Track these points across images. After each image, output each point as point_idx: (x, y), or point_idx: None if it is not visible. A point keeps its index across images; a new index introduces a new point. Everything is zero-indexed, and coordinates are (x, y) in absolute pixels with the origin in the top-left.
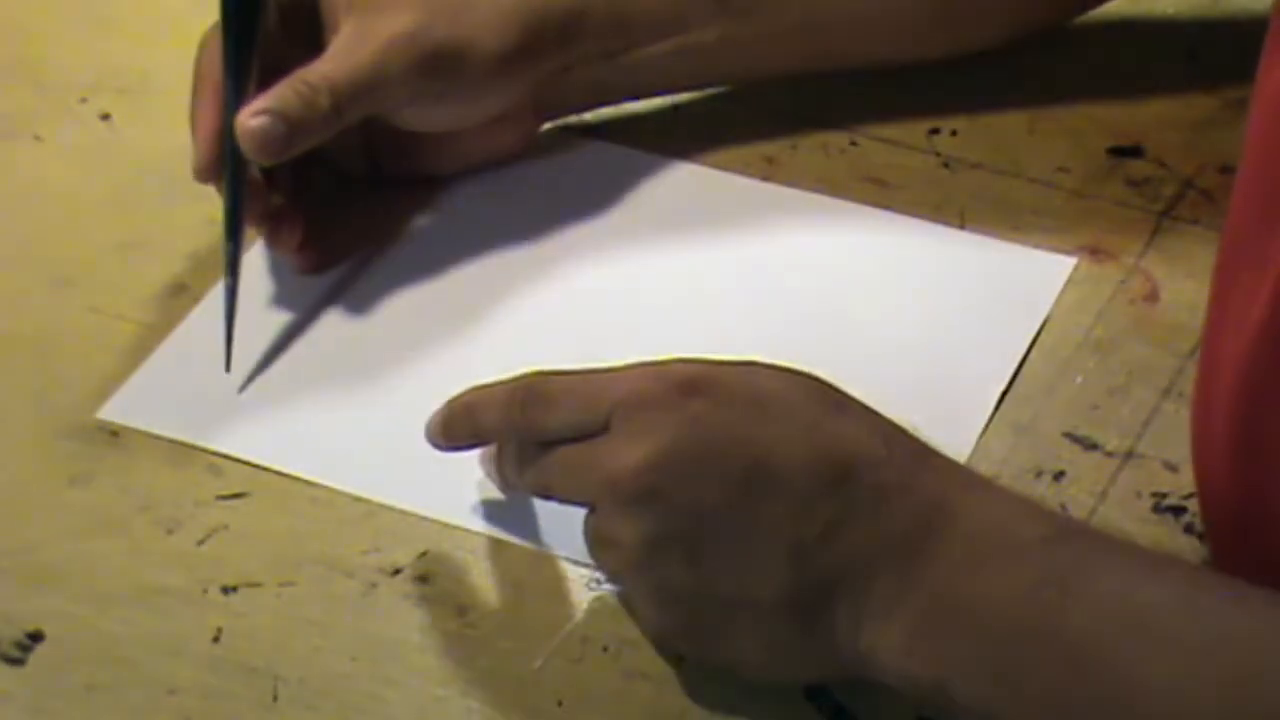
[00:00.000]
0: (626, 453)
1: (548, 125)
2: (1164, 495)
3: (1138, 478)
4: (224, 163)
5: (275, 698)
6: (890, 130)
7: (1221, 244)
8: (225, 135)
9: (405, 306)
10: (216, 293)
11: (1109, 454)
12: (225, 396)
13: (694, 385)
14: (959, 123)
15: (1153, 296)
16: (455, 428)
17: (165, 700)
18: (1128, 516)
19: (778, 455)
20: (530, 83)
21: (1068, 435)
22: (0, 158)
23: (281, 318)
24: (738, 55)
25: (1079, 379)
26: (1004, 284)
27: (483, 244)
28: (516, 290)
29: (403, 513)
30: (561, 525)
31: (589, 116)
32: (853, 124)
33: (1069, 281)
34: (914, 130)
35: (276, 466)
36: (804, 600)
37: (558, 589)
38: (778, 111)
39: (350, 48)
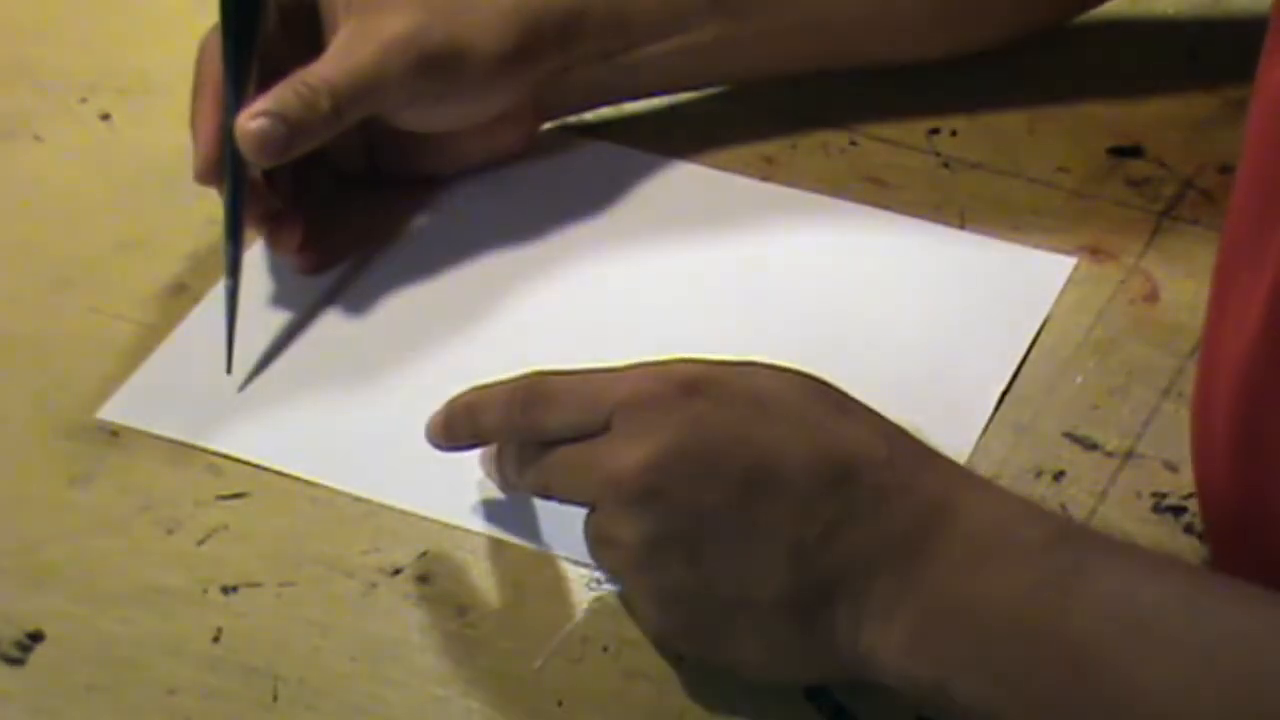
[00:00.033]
0: (627, 453)
1: (548, 125)
2: (1164, 495)
3: (1138, 478)
4: (224, 165)
5: (275, 698)
6: (890, 130)
7: (1221, 244)
8: (225, 137)
9: (405, 306)
10: (216, 293)
11: (1109, 454)
12: (225, 396)
13: (695, 385)
14: (959, 123)
15: (1153, 296)
16: (456, 428)
17: (165, 700)
18: (1128, 516)
19: (779, 455)
20: (530, 83)
21: (1068, 435)
22: (0, 158)
23: (281, 318)
24: (737, 55)
25: (1079, 379)
26: (1004, 284)
27: (483, 244)
28: (516, 290)
29: (403, 513)
30: (561, 525)
31: (589, 116)
32: (853, 124)
33: (1069, 281)
34: (914, 130)
35: (276, 466)
36: (804, 600)
37: (558, 589)
38: (777, 111)
39: (350, 49)
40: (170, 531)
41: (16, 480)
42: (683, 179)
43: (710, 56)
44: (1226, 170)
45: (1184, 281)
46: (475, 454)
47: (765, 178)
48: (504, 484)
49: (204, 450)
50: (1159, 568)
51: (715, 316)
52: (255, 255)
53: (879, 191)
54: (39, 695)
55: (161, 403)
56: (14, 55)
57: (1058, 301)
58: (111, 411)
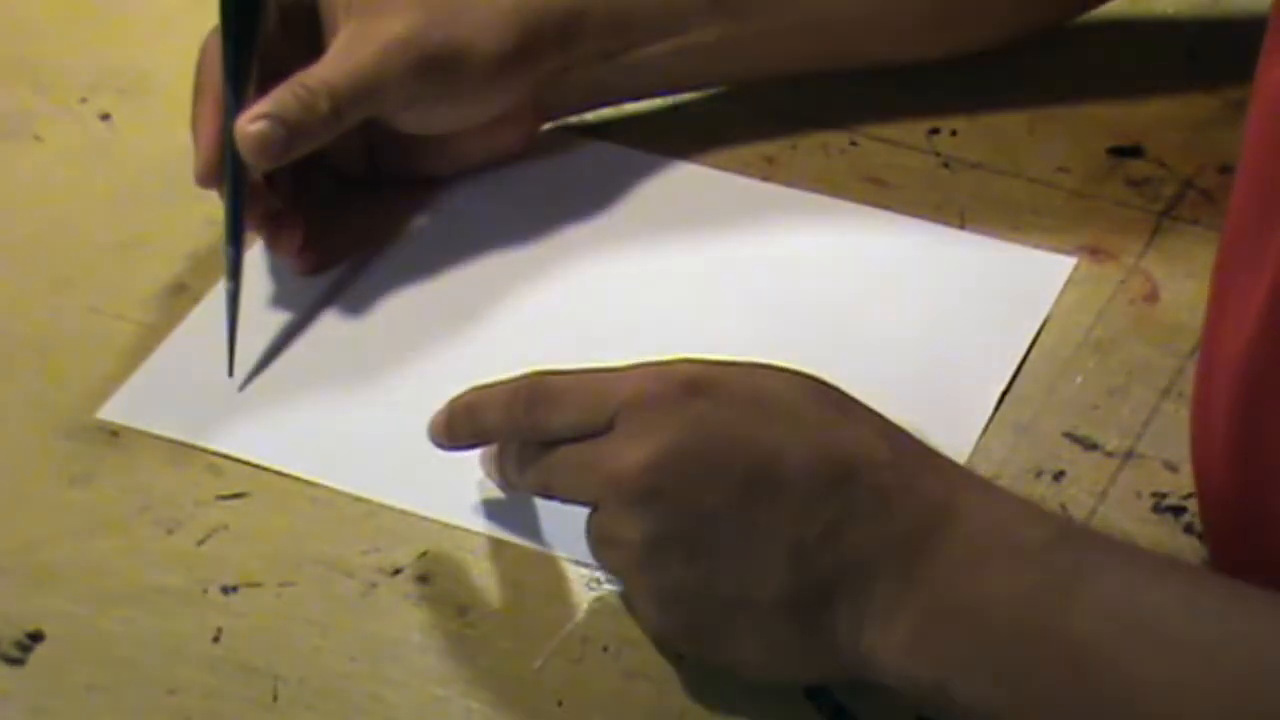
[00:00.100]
0: (629, 452)
1: (548, 125)
2: (1164, 495)
3: (1138, 478)
4: (224, 167)
5: (275, 698)
6: (890, 130)
7: (1220, 244)
8: (225, 140)
9: (405, 306)
10: (216, 293)
11: (1109, 454)
12: (225, 396)
13: (697, 385)
14: (959, 123)
15: (1153, 296)
16: (457, 427)
17: (165, 700)
18: (1128, 516)
19: (780, 456)
20: (530, 83)
21: (1068, 435)
22: (0, 158)
23: (281, 318)
24: (737, 55)
25: (1079, 379)
26: (1004, 284)
27: (483, 244)
28: (516, 290)
29: (403, 513)
30: (562, 525)
31: (589, 116)
32: (853, 124)
33: (1069, 281)
34: (914, 130)
35: (276, 466)
36: (804, 600)
37: (558, 589)
38: (777, 111)
39: (349, 51)
40: (170, 531)
41: (16, 480)
42: (683, 179)
43: (710, 57)
44: (1226, 170)
45: (1184, 281)
46: (475, 454)
47: (765, 178)
48: (504, 484)
49: (204, 450)
50: (1159, 568)
51: (716, 316)
52: (255, 255)
53: (879, 191)
54: (39, 695)
55: (161, 403)
56: (14, 55)
57: (1058, 301)
58: (111, 411)
